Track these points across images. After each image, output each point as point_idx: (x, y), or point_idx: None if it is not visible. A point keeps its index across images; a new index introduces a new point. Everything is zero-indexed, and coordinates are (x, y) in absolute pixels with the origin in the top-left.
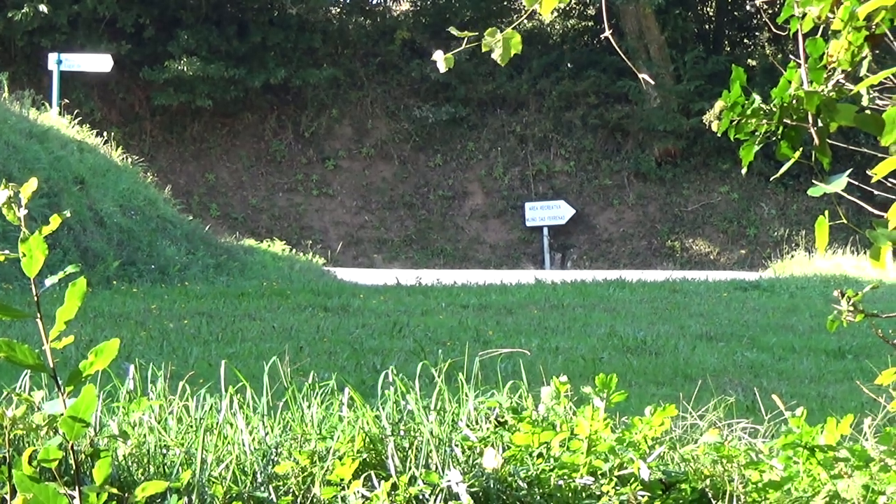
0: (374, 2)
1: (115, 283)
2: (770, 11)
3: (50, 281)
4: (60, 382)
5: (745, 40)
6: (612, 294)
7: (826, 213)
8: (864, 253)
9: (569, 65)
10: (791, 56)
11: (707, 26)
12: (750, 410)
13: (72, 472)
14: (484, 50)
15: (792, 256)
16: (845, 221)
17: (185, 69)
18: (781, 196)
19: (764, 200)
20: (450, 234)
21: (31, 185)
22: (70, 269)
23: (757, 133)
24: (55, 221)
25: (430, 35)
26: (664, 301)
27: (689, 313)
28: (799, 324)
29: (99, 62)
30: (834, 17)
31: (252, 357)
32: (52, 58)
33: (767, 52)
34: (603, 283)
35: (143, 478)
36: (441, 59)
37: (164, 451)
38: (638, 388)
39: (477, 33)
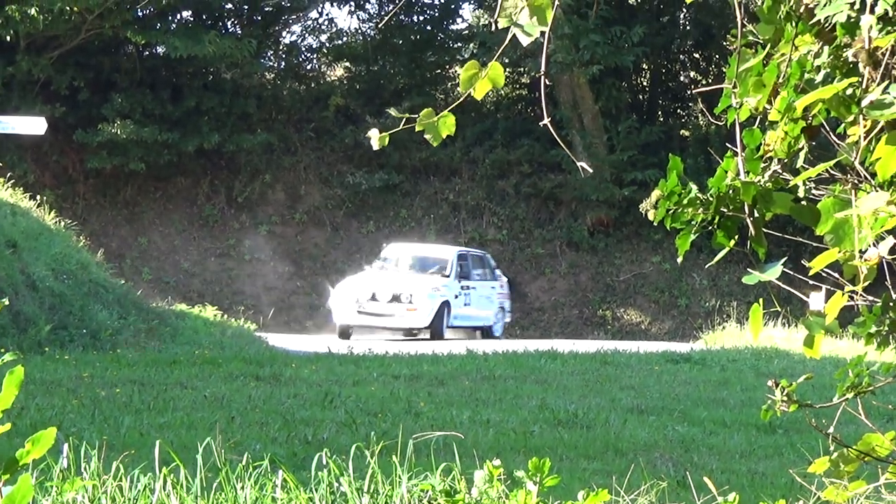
0: (309, 67)
1: (46, 348)
2: (705, 82)
3: None
4: None
5: (679, 111)
6: (544, 365)
7: (761, 301)
8: (795, 326)
9: (500, 135)
10: (721, 125)
11: (641, 96)
12: (681, 486)
13: None
14: (418, 129)
15: (723, 328)
16: (778, 307)
17: (119, 132)
18: (713, 267)
19: (696, 271)
20: None
21: None
22: (8, 356)
23: (693, 222)
24: None
25: (365, 101)
26: (595, 373)
27: (620, 386)
28: (730, 397)
29: (33, 125)
30: (771, 108)
31: (184, 427)
32: None
33: (700, 122)
34: (534, 354)
35: None
36: (375, 138)
37: None
38: (569, 462)
39: (413, 115)
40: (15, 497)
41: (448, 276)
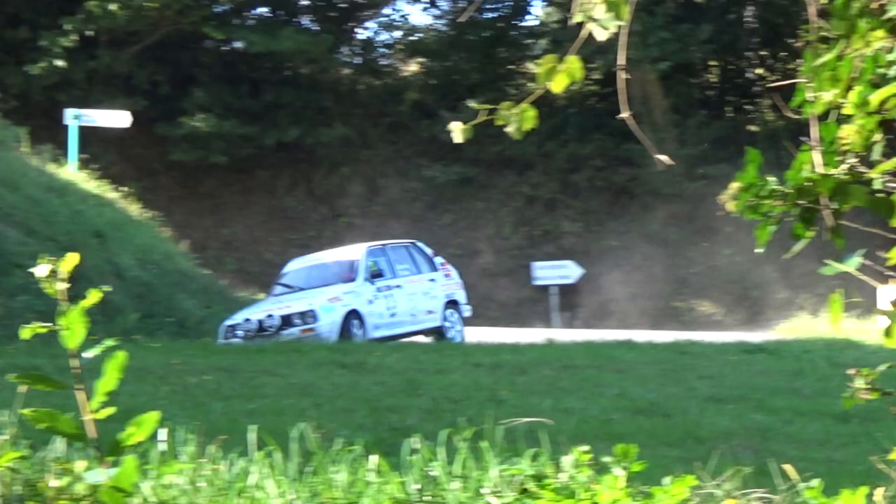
0: (384, 63)
1: (135, 336)
2: (772, 78)
3: (89, 353)
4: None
5: (746, 106)
6: (622, 355)
7: (839, 291)
8: (867, 317)
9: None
10: (789, 120)
11: (709, 92)
12: (762, 473)
13: None
14: (498, 123)
15: (795, 319)
16: (856, 299)
17: (200, 125)
18: (784, 259)
19: (767, 263)
20: None
21: (72, 259)
22: (108, 342)
23: (771, 214)
24: (94, 296)
25: (439, 96)
26: (672, 363)
27: (697, 375)
28: (805, 387)
29: (117, 118)
30: (846, 102)
31: (272, 413)
32: (69, 113)
33: (768, 118)
34: (612, 344)
35: None
36: (458, 130)
37: None
38: (650, 449)
39: (491, 106)
40: (120, 479)
41: (354, 280)
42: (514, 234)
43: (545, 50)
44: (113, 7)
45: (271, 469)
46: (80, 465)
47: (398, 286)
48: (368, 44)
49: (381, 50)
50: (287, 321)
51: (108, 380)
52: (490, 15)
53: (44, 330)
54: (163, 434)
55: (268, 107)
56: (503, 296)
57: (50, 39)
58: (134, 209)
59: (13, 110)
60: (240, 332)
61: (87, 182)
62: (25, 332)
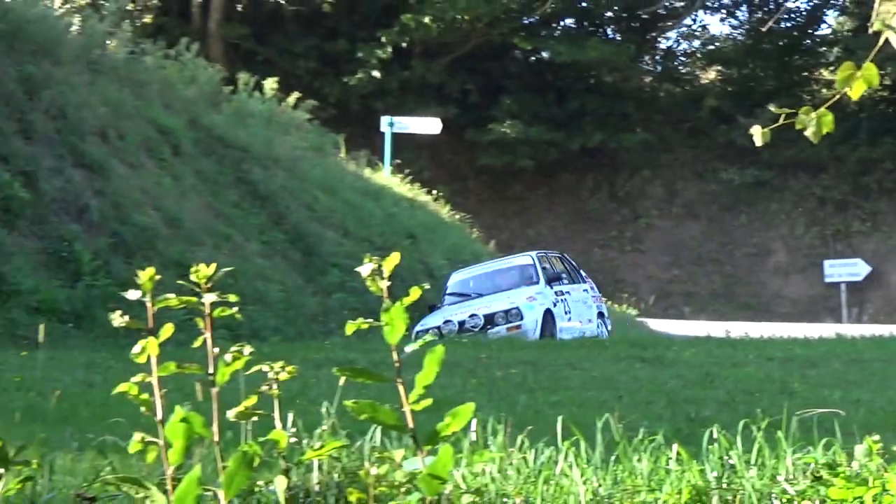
0: (684, 71)
1: (444, 332)
2: None
3: (410, 348)
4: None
5: None
6: None
7: None
8: None
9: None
10: None
11: None
12: None
13: None
14: (798, 127)
15: None
16: None
17: (508, 132)
18: None
19: None
20: (753, 288)
21: (394, 259)
22: (428, 337)
23: None
24: (415, 293)
25: (736, 102)
26: None
27: None
28: None
29: (428, 125)
30: None
31: (575, 405)
32: (385, 120)
33: None
34: None
35: None
36: (758, 134)
37: (504, 499)
38: None
39: (791, 111)
40: (437, 467)
41: (537, 283)
42: (806, 233)
43: (838, 58)
44: (426, 20)
45: (576, 458)
46: (398, 454)
47: (568, 292)
48: (669, 53)
49: (681, 59)
50: (490, 320)
51: (427, 373)
52: (786, 25)
53: (366, 326)
54: (473, 424)
55: (573, 114)
56: (795, 293)
57: (367, 51)
58: (444, 212)
59: (331, 118)
60: (435, 333)
61: (401, 186)
62: (350, 328)
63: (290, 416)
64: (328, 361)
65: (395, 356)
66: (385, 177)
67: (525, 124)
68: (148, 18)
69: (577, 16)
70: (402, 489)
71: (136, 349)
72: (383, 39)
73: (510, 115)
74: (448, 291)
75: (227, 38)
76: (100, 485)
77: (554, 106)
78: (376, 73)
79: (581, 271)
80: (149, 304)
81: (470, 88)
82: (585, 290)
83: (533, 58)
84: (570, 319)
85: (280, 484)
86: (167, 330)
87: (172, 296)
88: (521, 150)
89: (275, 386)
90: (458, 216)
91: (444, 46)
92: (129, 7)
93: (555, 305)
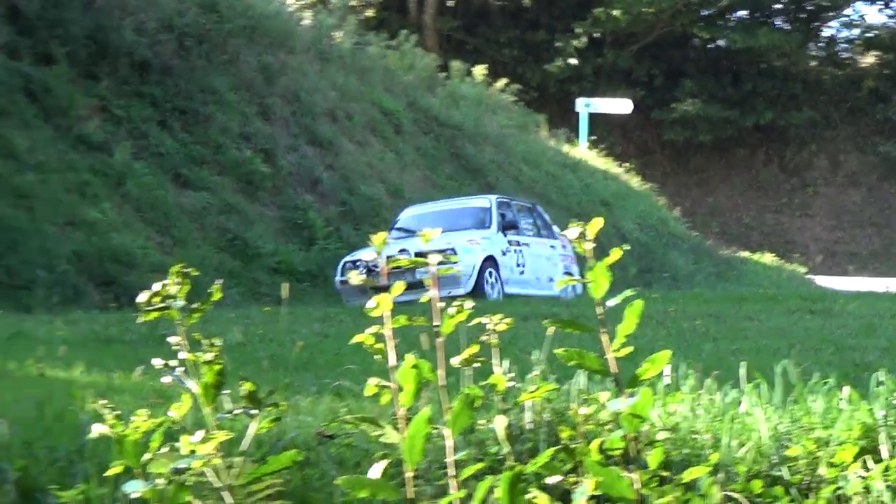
0: (844, 56)
1: (635, 288)
2: None
3: (612, 302)
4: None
5: None
6: None
7: None
8: None
9: None
10: None
11: None
12: None
13: (631, 458)
14: None
15: None
16: None
17: (689, 110)
18: None
19: None
20: None
21: (598, 223)
22: (628, 292)
23: None
24: (615, 254)
25: (892, 84)
26: None
27: None
28: None
29: (620, 105)
30: None
31: (753, 352)
32: (581, 102)
33: None
34: None
35: (679, 458)
36: None
37: (695, 436)
38: None
39: None
40: (637, 407)
41: (488, 228)
42: None
43: None
44: (616, 13)
45: (758, 398)
46: (602, 396)
47: (526, 244)
48: (832, 40)
49: (842, 45)
50: (422, 258)
51: (628, 324)
52: None
53: (573, 282)
54: (667, 370)
55: (746, 94)
56: None
57: (564, 41)
58: (634, 182)
59: (533, 100)
60: (362, 269)
61: (595, 159)
62: (559, 284)
63: (506, 363)
64: (533, 314)
65: (598, 309)
66: (581, 151)
67: (704, 104)
68: (370, 13)
69: (750, 7)
70: (607, 427)
71: (370, 304)
72: (578, 30)
73: (691, 95)
74: (396, 225)
75: (440, 29)
76: (338, 424)
77: (729, 87)
78: (573, 61)
79: (554, 227)
80: (382, 264)
81: (655, 73)
82: (553, 247)
83: (710, 45)
84: (522, 273)
85: (499, 423)
86: (398, 287)
87: (404, 257)
88: (701, 127)
89: (494, 336)
90: (646, 186)
91: (632, 36)
92: (353, 3)
93: (503, 254)
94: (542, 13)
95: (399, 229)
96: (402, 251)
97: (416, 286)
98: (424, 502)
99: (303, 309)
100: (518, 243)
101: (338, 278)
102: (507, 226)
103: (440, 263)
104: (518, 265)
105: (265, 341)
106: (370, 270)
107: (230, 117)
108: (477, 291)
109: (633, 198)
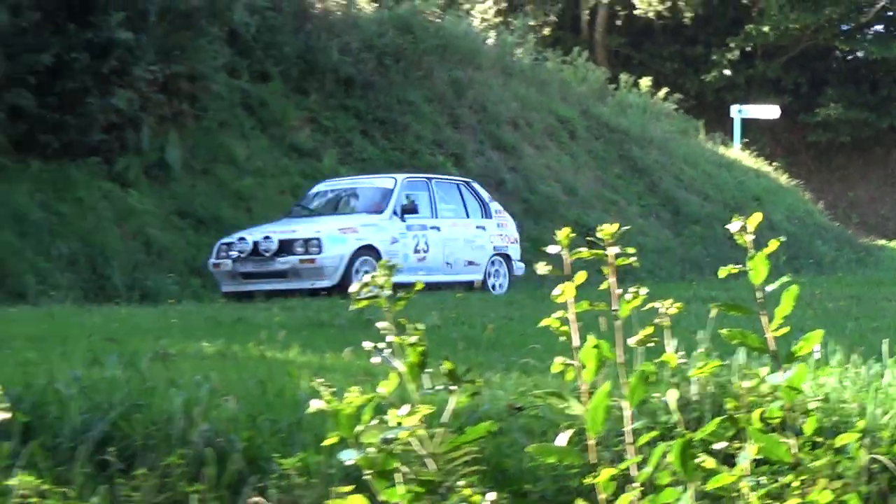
0: None
1: (787, 273)
2: None
3: (770, 287)
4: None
5: None
6: None
7: None
8: None
9: None
10: None
11: None
12: None
13: (788, 425)
14: None
15: None
16: None
17: (831, 114)
18: None
19: None
20: None
21: (757, 217)
22: (784, 278)
23: None
24: (773, 244)
25: None
26: None
27: None
28: None
29: (769, 111)
30: None
31: (892, 330)
32: (734, 108)
33: None
34: None
35: (829, 425)
36: None
37: (843, 405)
38: None
39: None
40: (793, 380)
41: (381, 213)
42: None
43: None
44: (765, 29)
45: None
46: (763, 371)
47: (435, 227)
48: None
49: None
50: (286, 247)
51: (785, 307)
52: None
53: (735, 271)
54: (817, 346)
55: (882, 99)
56: None
57: (719, 55)
58: (782, 179)
59: (691, 108)
60: (233, 253)
61: (747, 160)
62: (722, 272)
63: (674, 342)
64: (695, 298)
65: (758, 294)
66: (735, 152)
67: (844, 108)
68: (547, 31)
69: (885, 22)
70: (766, 398)
71: (555, 291)
72: (732, 45)
73: (833, 101)
74: (300, 202)
75: (609, 46)
76: (527, 397)
77: (867, 93)
78: (727, 72)
79: (492, 206)
80: (565, 256)
81: (801, 81)
82: (480, 227)
83: (850, 56)
84: (422, 259)
85: (671, 396)
86: (581, 276)
87: (584, 249)
88: (842, 129)
89: (667, 319)
90: (792, 183)
91: (780, 49)
92: (532, 23)
93: (394, 242)
94: (700, 30)
95: (300, 206)
96: (265, 238)
97: (276, 275)
98: (605, 466)
99: (490, 294)
100: (424, 227)
101: (211, 260)
102: (407, 209)
103: (308, 251)
104: (416, 251)
105: (458, 324)
106: (239, 255)
107: (424, 126)
108: (346, 282)
109: (782, 193)
